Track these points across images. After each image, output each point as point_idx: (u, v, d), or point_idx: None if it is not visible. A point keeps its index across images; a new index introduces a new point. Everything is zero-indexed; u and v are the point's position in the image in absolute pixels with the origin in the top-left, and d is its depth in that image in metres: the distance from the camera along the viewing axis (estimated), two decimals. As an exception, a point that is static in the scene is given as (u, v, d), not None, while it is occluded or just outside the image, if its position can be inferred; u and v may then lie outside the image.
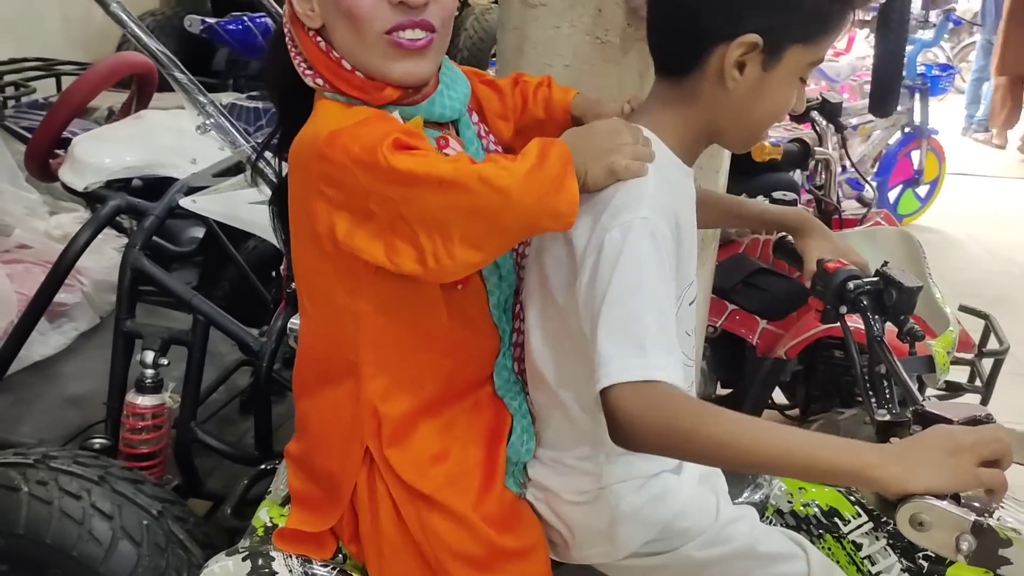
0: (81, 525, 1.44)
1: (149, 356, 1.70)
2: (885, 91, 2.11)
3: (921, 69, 4.68)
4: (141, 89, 2.17)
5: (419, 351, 1.15)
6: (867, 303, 1.36)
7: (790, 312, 2.38)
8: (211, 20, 3.37)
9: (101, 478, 1.49)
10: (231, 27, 3.34)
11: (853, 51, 5.65)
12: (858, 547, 1.27)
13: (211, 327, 1.70)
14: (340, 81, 1.10)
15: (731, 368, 2.54)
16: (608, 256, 0.99)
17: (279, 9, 2.27)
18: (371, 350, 1.14)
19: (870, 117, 4.56)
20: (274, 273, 2.38)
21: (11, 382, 1.98)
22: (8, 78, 3.15)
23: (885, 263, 1.42)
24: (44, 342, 2.10)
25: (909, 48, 4.65)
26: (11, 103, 3.05)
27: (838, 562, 1.26)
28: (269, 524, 1.28)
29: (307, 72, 1.12)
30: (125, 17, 1.61)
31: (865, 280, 1.36)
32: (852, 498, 1.30)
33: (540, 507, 1.21)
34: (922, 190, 5.04)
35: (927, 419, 1.05)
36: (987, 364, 2.46)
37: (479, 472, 1.18)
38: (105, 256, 2.29)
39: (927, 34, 4.81)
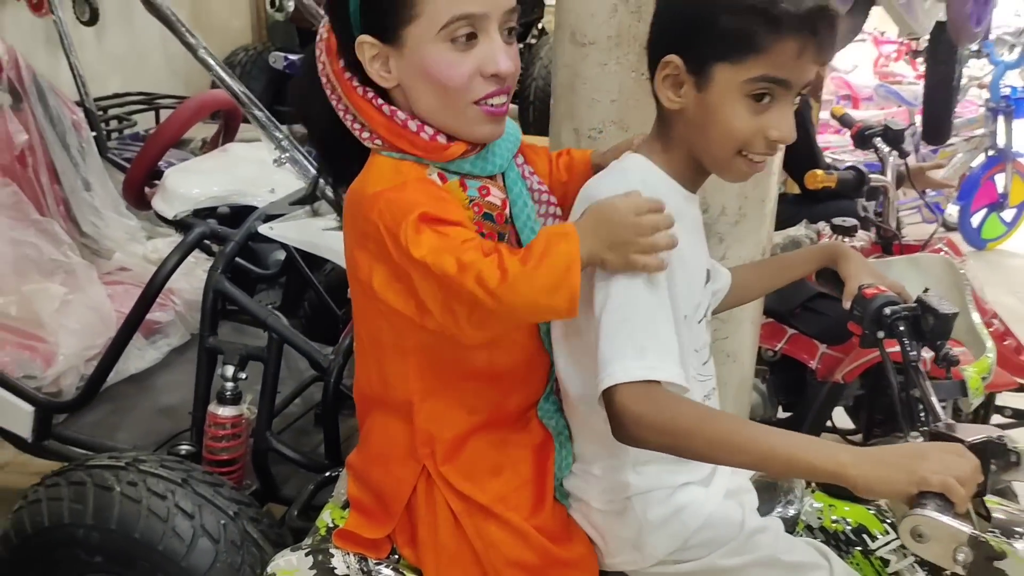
0: (166, 523, 1.58)
1: (229, 370, 1.85)
2: (937, 120, 2.13)
3: (1004, 91, 4.59)
4: (227, 123, 2.35)
5: (465, 381, 1.23)
6: (904, 328, 1.40)
7: (850, 337, 2.39)
8: (293, 56, 3.57)
9: (184, 481, 1.64)
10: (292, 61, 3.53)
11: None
12: (886, 563, 1.31)
13: (284, 344, 1.84)
14: (403, 142, 1.16)
15: (791, 391, 2.56)
16: (600, 279, 1.08)
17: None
18: (419, 381, 1.22)
19: (953, 139, 4.50)
20: (348, 295, 2.52)
21: (110, 393, 2.16)
22: (112, 112, 3.41)
23: (926, 290, 1.45)
24: (140, 356, 2.27)
25: (992, 69, 4.58)
26: (114, 135, 3.31)
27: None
28: (331, 525, 1.39)
29: (363, 134, 1.18)
30: (211, 61, 1.77)
31: (902, 306, 1.40)
32: (881, 516, 1.34)
33: (576, 516, 1.29)
34: (1008, 214, 4.92)
35: (939, 438, 1.10)
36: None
37: (531, 486, 1.26)
38: (196, 278, 2.46)
39: (1012, 56, 4.71)
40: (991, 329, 2.40)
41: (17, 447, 2.13)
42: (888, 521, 1.34)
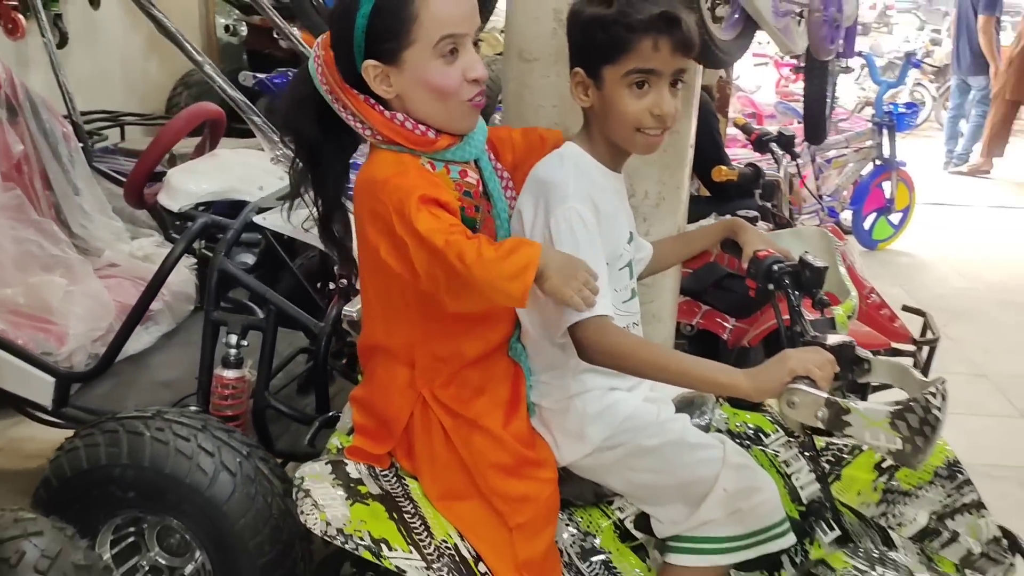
0: (191, 459, 1.88)
1: (233, 339, 2.15)
2: (815, 123, 2.59)
3: (888, 108, 5.16)
4: (213, 132, 2.65)
5: (456, 324, 1.57)
6: (788, 280, 1.81)
7: (755, 311, 2.83)
8: (261, 75, 3.90)
9: (203, 427, 1.94)
10: (277, 80, 3.87)
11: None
12: (776, 454, 1.70)
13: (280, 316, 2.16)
14: (399, 137, 1.49)
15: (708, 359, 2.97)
16: (554, 235, 1.46)
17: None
18: (420, 326, 1.57)
19: (844, 150, 5.06)
20: (319, 284, 2.83)
21: (113, 370, 2.42)
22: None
23: (805, 252, 1.88)
24: (136, 340, 2.53)
25: (876, 89, 5.16)
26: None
27: (762, 465, 1.68)
28: (340, 446, 1.72)
29: (365, 131, 1.51)
30: (216, 76, 2.09)
31: (787, 263, 1.82)
32: (773, 420, 1.74)
33: (535, 423, 1.66)
34: (895, 217, 5.50)
35: (806, 344, 1.50)
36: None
37: (506, 404, 1.62)
38: (181, 273, 2.76)
39: (891, 76, 5.31)
40: (869, 301, 2.88)
41: (35, 417, 2.38)
42: (773, 420, 1.73)
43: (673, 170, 2.18)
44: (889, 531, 1.67)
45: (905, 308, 3.00)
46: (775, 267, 1.82)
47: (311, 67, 1.52)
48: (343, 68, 1.51)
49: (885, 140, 5.17)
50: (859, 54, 6.26)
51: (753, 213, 2.96)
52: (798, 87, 6.32)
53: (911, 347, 2.84)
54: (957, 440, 3.15)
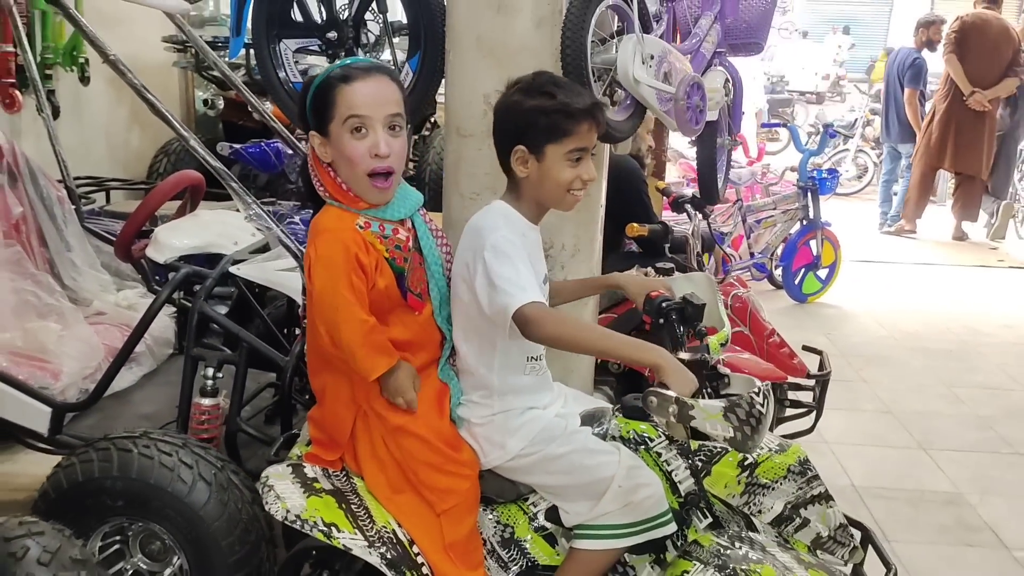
0: (173, 471, 2.19)
1: (210, 371, 2.50)
2: (707, 186, 3.02)
3: (812, 173, 5.66)
4: (193, 196, 3.02)
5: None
6: (675, 316, 2.21)
7: (675, 350, 3.20)
8: (237, 145, 4.30)
9: (184, 444, 2.27)
10: (251, 150, 4.28)
11: (763, 160, 6.69)
12: (659, 455, 2.06)
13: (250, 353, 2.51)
14: (339, 195, 1.91)
15: (634, 391, 3.35)
16: (489, 256, 1.82)
17: (288, 134, 3.17)
18: None
19: (771, 212, 5.54)
20: (284, 330, 3.18)
21: (99, 405, 2.73)
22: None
23: (690, 293, 2.27)
24: (121, 378, 2.84)
25: (799, 156, 5.66)
26: (74, 211, 3.90)
27: (649, 465, 2.04)
28: (299, 454, 2.07)
29: (320, 188, 1.93)
30: (199, 148, 2.47)
31: (673, 301, 2.21)
32: (656, 427, 2.10)
33: (463, 433, 2.01)
34: (822, 272, 5.95)
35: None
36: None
37: (433, 412, 1.98)
38: (162, 320, 3.09)
39: (814, 145, 5.83)
40: (771, 340, 3.27)
41: (29, 444, 2.69)
42: (661, 431, 2.10)
43: (587, 225, 2.59)
44: (752, 518, 2.04)
45: (804, 348, 3.39)
46: (663, 304, 2.22)
47: None
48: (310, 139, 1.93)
49: (810, 202, 5.65)
50: (784, 125, 6.82)
51: (670, 265, 3.38)
52: (737, 155, 6.83)
53: (808, 381, 3.23)
54: (862, 467, 3.58)
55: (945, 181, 9.00)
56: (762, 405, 1.70)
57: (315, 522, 1.84)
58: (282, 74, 2.79)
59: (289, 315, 3.12)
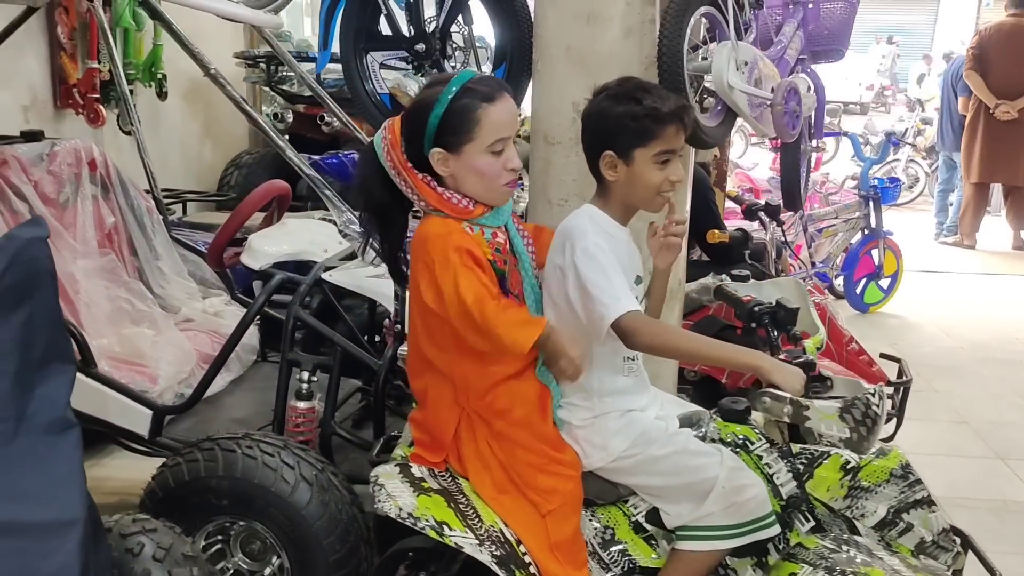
0: (276, 472, 2.25)
1: (305, 375, 2.56)
2: (790, 193, 3.03)
3: (873, 182, 5.62)
4: (280, 205, 3.10)
5: (487, 356, 1.94)
6: (767, 320, 2.22)
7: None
8: (316, 157, 4.40)
9: (285, 445, 2.33)
10: (329, 161, 4.38)
11: (821, 169, 6.65)
12: (760, 458, 2.07)
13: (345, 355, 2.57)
14: (444, 206, 1.92)
15: (710, 402, 3.35)
16: (580, 262, 1.86)
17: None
18: (457, 355, 1.96)
19: (833, 221, 5.51)
20: (365, 337, 3.23)
21: (192, 410, 2.82)
22: (151, 204, 4.12)
23: (781, 297, 2.29)
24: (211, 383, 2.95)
25: (861, 165, 5.62)
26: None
27: (750, 468, 2.05)
28: (402, 455, 2.12)
29: (419, 203, 1.92)
30: (295, 159, 2.54)
31: (765, 305, 2.23)
32: (757, 430, 2.11)
33: (564, 435, 2.04)
34: (884, 282, 5.90)
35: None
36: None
37: (536, 413, 2.00)
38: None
39: (875, 155, 5.80)
40: (849, 348, 3.27)
41: (127, 446, 2.77)
42: (762, 434, 2.11)
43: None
44: (854, 522, 2.04)
45: (882, 355, 3.38)
46: (756, 308, 2.24)
47: (377, 146, 1.94)
48: (411, 150, 1.94)
49: (872, 211, 5.61)
50: (843, 135, 6.78)
51: (746, 272, 3.39)
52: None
53: (888, 388, 3.21)
54: (940, 477, 3.55)
55: (999, 192, 8.87)
56: (878, 406, 1.71)
57: (427, 520, 1.88)
58: (369, 86, 2.85)
59: (371, 321, 3.18)
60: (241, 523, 2.34)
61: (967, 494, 3.49)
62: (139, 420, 2.64)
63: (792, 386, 1.77)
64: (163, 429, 2.72)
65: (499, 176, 1.92)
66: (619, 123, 1.91)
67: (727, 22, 2.20)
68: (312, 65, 4.53)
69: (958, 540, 2.10)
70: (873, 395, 1.71)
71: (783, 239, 3.58)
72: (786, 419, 1.74)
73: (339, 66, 2.87)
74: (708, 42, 2.34)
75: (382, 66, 2.89)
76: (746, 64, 2.23)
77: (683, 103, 1.94)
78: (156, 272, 3.27)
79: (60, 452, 1.74)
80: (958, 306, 6.32)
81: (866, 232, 5.67)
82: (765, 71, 2.35)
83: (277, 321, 3.18)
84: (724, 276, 3.42)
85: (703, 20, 2.25)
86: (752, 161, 7.20)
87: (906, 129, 10.17)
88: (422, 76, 2.85)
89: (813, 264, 5.51)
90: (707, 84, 2.28)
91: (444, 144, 1.89)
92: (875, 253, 5.72)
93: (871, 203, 5.59)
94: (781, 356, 1.92)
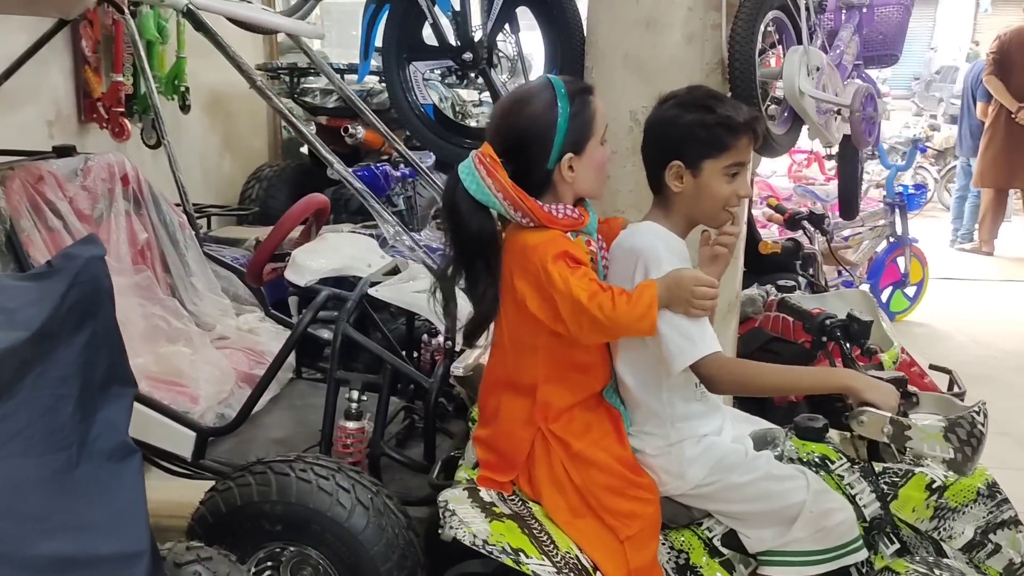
0: (331, 496, 2.17)
1: (355, 394, 2.48)
2: (848, 203, 2.96)
3: (899, 189, 5.56)
4: (317, 219, 3.03)
5: (570, 370, 1.91)
6: (839, 333, 2.15)
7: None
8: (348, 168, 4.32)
9: (339, 468, 2.24)
10: (361, 173, 4.30)
11: (842, 177, 6.61)
12: (841, 478, 2.00)
13: (395, 373, 2.49)
14: (555, 223, 1.84)
15: (758, 414, 3.28)
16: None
17: (413, 158, 3.15)
18: (543, 368, 1.90)
19: (859, 229, 5.44)
20: (404, 352, 3.15)
21: (232, 432, 2.74)
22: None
23: (851, 309, 2.22)
24: (249, 403, 2.86)
25: (887, 173, 5.56)
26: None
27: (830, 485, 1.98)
28: (467, 478, 2.03)
29: (523, 219, 1.82)
30: (344, 172, 2.46)
31: (837, 319, 2.16)
32: (836, 449, 2.04)
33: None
34: (910, 290, 5.83)
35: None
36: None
37: (612, 436, 1.94)
38: (280, 342, 3.09)
39: (902, 161, 5.73)
40: (902, 358, 3.19)
41: (168, 469, 2.68)
42: (840, 452, 2.03)
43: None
44: (941, 543, 1.96)
45: (932, 367, 3.30)
46: (828, 322, 2.17)
47: (467, 172, 1.83)
48: (525, 167, 1.85)
49: (897, 219, 5.54)
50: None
51: (792, 283, 3.32)
52: (811, 171, 6.75)
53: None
54: (986, 491, 3.42)
55: (1015, 198, 8.81)
56: (983, 424, 1.64)
57: (503, 547, 1.80)
58: (412, 97, 2.78)
59: (409, 336, 3.10)
60: (293, 548, 2.25)
61: (1018, 508, 3.40)
62: (183, 442, 2.56)
63: (888, 404, 1.70)
64: (206, 451, 2.64)
65: (606, 163, 1.92)
66: (689, 131, 1.84)
67: (797, 26, 2.13)
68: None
69: (1043, 562, 2.03)
70: (978, 413, 1.63)
71: (830, 248, 3.51)
72: (885, 439, 1.66)
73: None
74: (773, 46, 2.27)
75: (424, 79, 2.83)
76: (818, 70, 2.16)
77: (756, 114, 1.88)
78: (190, 288, 3.19)
79: (123, 480, 1.67)
80: (982, 314, 6.25)
81: (892, 240, 5.60)
82: (831, 77, 2.28)
83: (312, 337, 3.11)
84: (769, 287, 3.37)
85: (771, 24, 2.18)
86: (770, 169, 7.14)
87: (918, 136, 10.11)
88: (466, 86, 2.77)
89: (839, 272, 5.43)
90: (775, 91, 2.21)
91: (573, 148, 1.85)
92: (901, 261, 5.65)
93: (897, 210, 5.52)
94: (874, 372, 1.84)
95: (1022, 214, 8.15)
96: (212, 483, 2.31)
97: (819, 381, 1.76)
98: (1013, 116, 7.19)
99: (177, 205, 3.38)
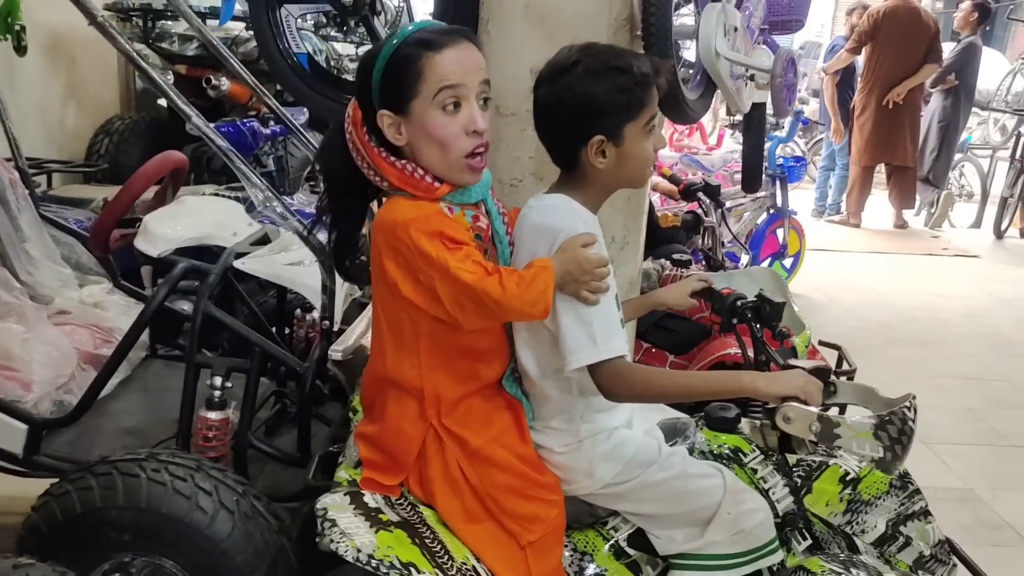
0: (190, 499, 1.89)
1: (218, 381, 2.18)
2: (752, 174, 2.85)
3: (780, 160, 5.57)
4: (175, 180, 2.68)
5: (459, 357, 1.69)
6: (750, 315, 2.01)
7: (692, 347, 3.04)
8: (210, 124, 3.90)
9: (198, 467, 1.96)
10: (224, 129, 3.89)
11: (724, 147, 6.59)
12: (755, 471, 1.87)
13: (265, 356, 2.21)
14: (406, 185, 1.62)
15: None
16: None
17: (284, 112, 2.83)
18: (427, 358, 1.68)
19: (742, 200, 5.43)
20: (274, 328, 2.85)
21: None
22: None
23: (761, 290, 2.08)
24: (93, 386, 2.52)
25: (768, 144, 5.56)
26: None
27: (744, 483, 1.85)
28: (349, 479, 1.80)
29: (377, 179, 1.63)
30: (204, 128, 2.14)
31: (748, 300, 2.02)
32: (748, 441, 1.91)
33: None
34: (788, 262, 5.89)
35: (789, 367, 1.69)
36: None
37: (513, 430, 1.74)
38: (131, 319, 2.75)
39: (781, 132, 5.75)
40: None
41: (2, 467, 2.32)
42: (753, 444, 1.91)
43: (636, 215, 2.38)
44: (854, 538, 1.87)
45: (821, 343, 3.26)
46: (738, 303, 2.03)
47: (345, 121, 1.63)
48: (366, 120, 1.63)
49: (778, 190, 5.56)
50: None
51: (687, 256, 3.21)
52: (693, 141, 6.72)
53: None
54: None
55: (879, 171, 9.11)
56: (913, 421, 1.52)
57: (391, 562, 1.57)
58: (283, 44, 2.46)
59: (280, 311, 2.81)
60: (144, 559, 1.95)
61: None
62: (12, 436, 2.21)
63: (815, 399, 1.56)
64: (41, 445, 2.29)
65: (457, 140, 1.59)
66: (609, 99, 1.62)
67: (710, -18, 1.95)
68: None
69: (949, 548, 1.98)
70: (909, 409, 1.52)
71: (724, 221, 3.42)
72: (812, 437, 1.52)
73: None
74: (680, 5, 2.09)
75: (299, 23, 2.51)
76: (735, 30, 1.99)
77: (652, 58, 1.70)
78: (23, 256, 2.79)
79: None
80: (854, 285, 6.41)
81: (772, 211, 5.63)
82: (744, 39, 2.13)
83: (169, 310, 2.77)
84: (664, 260, 3.24)
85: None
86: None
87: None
88: (345, 36, 2.48)
89: (723, 244, 5.42)
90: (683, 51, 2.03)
91: (390, 104, 1.59)
92: (780, 232, 5.69)
93: (778, 182, 5.53)
94: (797, 362, 1.70)
95: (884, 187, 8.41)
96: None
97: (731, 385, 1.60)
98: (885, 104, 7.36)
99: (8, 160, 2.94)
